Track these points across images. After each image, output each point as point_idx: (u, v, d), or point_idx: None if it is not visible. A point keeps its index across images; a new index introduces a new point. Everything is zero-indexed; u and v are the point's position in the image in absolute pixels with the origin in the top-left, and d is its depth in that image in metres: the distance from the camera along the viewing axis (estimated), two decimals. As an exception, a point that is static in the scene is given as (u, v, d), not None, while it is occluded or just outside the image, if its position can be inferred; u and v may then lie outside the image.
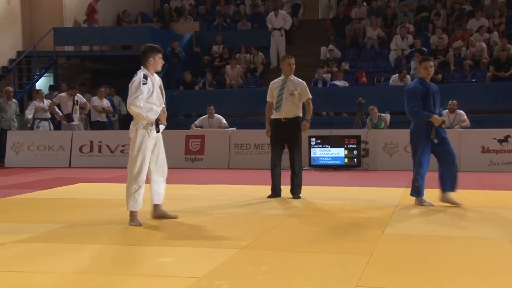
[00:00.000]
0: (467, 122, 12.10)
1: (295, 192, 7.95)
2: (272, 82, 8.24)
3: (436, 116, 6.96)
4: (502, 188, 8.80)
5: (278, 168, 8.02)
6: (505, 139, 11.26)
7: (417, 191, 7.18)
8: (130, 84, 6.07)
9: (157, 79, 6.23)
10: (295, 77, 8.04)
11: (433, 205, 7.09)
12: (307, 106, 8.03)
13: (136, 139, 6.04)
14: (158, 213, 6.39)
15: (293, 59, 8.13)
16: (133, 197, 6.04)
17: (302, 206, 7.42)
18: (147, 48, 6.32)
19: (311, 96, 8.02)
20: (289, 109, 7.85)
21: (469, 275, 4.26)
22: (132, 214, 6.08)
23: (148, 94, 6.01)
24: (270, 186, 8.04)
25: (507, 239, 5.37)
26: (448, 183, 7.11)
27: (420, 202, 7.18)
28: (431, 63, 7.25)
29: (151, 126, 6.04)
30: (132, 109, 5.99)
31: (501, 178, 10.11)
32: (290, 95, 7.85)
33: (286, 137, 7.96)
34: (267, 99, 8.13)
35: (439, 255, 4.86)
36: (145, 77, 6.05)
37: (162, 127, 6.22)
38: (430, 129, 6.97)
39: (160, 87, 6.22)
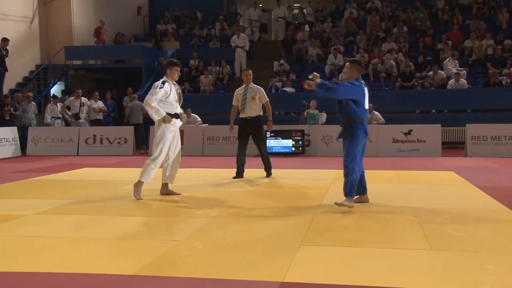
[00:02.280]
0: (383, 120, 12.31)
1: (268, 171, 8.08)
2: (236, 90, 8.21)
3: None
4: (407, 169, 9.00)
5: (243, 156, 8.00)
6: (409, 132, 11.50)
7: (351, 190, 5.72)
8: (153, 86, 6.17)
9: (176, 86, 6.23)
10: (254, 85, 8.02)
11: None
12: (267, 108, 8.02)
13: (158, 131, 6.09)
14: (165, 191, 6.33)
15: (250, 71, 8.13)
16: (147, 172, 6.05)
17: (260, 184, 7.44)
18: (167, 62, 6.38)
19: (268, 99, 8.00)
20: (252, 110, 7.88)
21: (382, 235, 4.35)
22: (139, 184, 6.07)
23: (164, 96, 6.04)
24: (235, 169, 8.03)
25: (410, 207, 5.48)
26: (362, 187, 5.81)
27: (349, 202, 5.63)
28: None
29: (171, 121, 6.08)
30: (145, 106, 6.08)
31: (406, 161, 10.34)
32: (252, 99, 7.85)
33: (252, 132, 7.98)
34: (233, 103, 8.11)
35: (362, 220, 4.94)
36: (163, 82, 6.07)
37: (179, 123, 6.26)
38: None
39: (177, 91, 6.21)
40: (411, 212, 5.22)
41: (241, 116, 7.98)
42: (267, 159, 8.12)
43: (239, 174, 7.98)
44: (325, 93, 5.35)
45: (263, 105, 8.02)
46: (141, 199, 6.03)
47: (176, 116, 6.18)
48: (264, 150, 8.13)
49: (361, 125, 5.46)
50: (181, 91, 6.35)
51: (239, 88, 8.15)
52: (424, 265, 3.51)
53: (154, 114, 6.02)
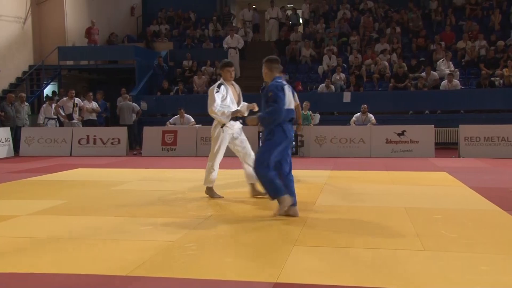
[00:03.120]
0: (374, 121, 12.35)
1: None
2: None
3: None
4: (400, 169, 9.02)
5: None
6: (402, 133, 11.54)
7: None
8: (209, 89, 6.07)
9: (235, 87, 6.14)
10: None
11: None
12: (297, 110, 8.06)
13: (215, 134, 6.09)
14: (256, 193, 6.16)
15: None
16: (207, 177, 6.13)
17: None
18: (221, 63, 6.20)
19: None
20: None
21: (375, 235, 4.36)
22: (210, 189, 6.19)
23: (221, 99, 5.95)
24: (228, 171, 8.01)
25: (403, 207, 5.51)
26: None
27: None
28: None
29: (227, 123, 6.02)
30: (211, 115, 6.02)
31: (399, 162, 10.37)
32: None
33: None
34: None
35: (355, 221, 4.94)
36: (219, 85, 5.98)
37: (238, 125, 6.13)
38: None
39: (237, 92, 6.12)
40: (404, 212, 5.23)
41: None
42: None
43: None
44: (272, 120, 4.95)
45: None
46: (222, 197, 6.15)
47: (235, 118, 6.03)
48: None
49: (279, 127, 5.00)
50: (240, 91, 6.19)
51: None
52: (417, 265, 3.52)
53: (222, 118, 5.93)
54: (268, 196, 5.08)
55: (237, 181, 7.75)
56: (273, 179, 4.93)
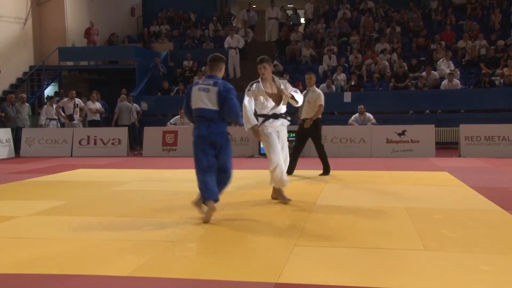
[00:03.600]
0: (374, 120, 12.34)
1: (324, 171, 8.32)
2: (303, 93, 8.34)
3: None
4: (400, 169, 9.01)
5: (294, 155, 8.14)
6: (403, 133, 11.53)
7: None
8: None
9: (275, 82, 5.67)
10: (315, 88, 8.28)
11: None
12: (317, 109, 8.12)
13: (262, 135, 5.68)
14: (276, 194, 5.91)
15: (311, 75, 8.45)
16: (273, 179, 5.69)
17: (254, 184, 7.42)
18: (260, 59, 5.75)
19: (322, 104, 8.06)
20: (306, 112, 8.06)
21: (376, 235, 4.35)
22: (279, 191, 5.74)
23: (251, 98, 5.61)
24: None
25: (403, 207, 5.50)
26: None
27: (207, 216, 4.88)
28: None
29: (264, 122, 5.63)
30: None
31: (400, 162, 10.36)
32: (307, 102, 8.01)
33: (308, 133, 8.22)
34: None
35: (356, 221, 4.93)
36: (251, 84, 5.72)
37: (278, 122, 5.67)
38: None
39: (275, 87, 5.65)
40: (405, 212, 5.23)
41: (300, 117, 8.21)
42: (322, 159, 8.29)
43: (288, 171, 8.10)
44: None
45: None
46: (290, 200, 5.77)
47: (274, 116, 5.62)
48: (319, 149, 8.27)
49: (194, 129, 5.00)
50: (284, 85, 5.66)
51: (305, 91, 8.30)
52: (418, 265, 3.52)
53: (244, 122, 5.40)
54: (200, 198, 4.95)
55: (240, 181, 7.75)
56: (207, 183, 4.84)
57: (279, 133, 5.76)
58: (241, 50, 17.39)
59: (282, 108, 5.75)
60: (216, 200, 4.85)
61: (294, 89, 5.74)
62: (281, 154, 5.70)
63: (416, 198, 6.13)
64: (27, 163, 10.95)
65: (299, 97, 5.75)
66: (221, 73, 5.15)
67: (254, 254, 3.80)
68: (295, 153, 8.21)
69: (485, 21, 17.30)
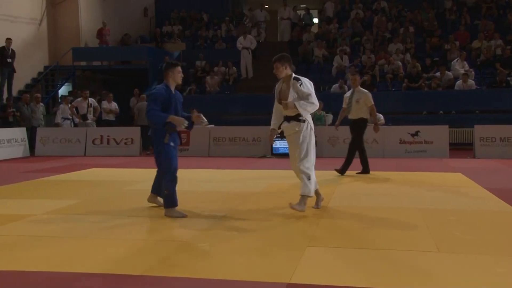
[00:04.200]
0: (382, 121, 12.27)
1: (363, 170, 8.39)
2: (346, 93, 8.52)
3: (175, 116, 5.19)
4: (414, 170, 8.95)
5: (351, 155, 8.33)
6: (416, 133, 11.45)
7: (169, 201, 5.22)
8: None
9: (293, 82, 5.27)
10: (361, 88, 8.26)
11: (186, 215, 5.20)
12: (371, 111, 8.26)
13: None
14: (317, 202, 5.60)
15: (356, 76, 8.48)
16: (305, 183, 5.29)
17: (265, 185, 7.43)
18: (274, 58, 5.39)
19: (373, 103, 8.15)
20: (354, 113, 8.15)
21: (389, 237, 4.33)
22: (304, 199, 5.26)
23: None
24: (242, 170, 8.03)
25: (417, 208, 5.47)
26: (158, 188, 5.57)
27: (174, 213, 5.18)
28: (180, 68, 5.36)
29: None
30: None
31: (413, 162, 10.29)
32: (356, 102, 8.09)
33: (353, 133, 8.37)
34: (343, 105, 8.41)
35: (368, 222, 4.91)
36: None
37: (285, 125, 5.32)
38: (164, 133, 5.20)
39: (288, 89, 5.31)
40: (418, 213, 5.19)
41: (349, 117, 8.31)
42: (362, 158, 8.31)
43: (341, 171, 8.30)
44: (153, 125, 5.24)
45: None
46: (319, 207, 5.54)
47: (286, 118, 5.31)
48: (358, 150, 8.28)
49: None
50: (291, 87, 5.24)
51: (348, 91, 8.41)
52: (432, 267, 3.49)
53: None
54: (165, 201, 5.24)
55: (252, 181, 7.77)
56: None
57: (291, 137, 5.34)
58: (253, 50, 17.41)
59: (296, 111, 5.18)
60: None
61: (307, 92, 5.18)
62: (294, 161, 5.35)
63: (430, 199, 6.08)
64: (41, 162, 11.07)
65: (305, 104, 5.15)
66: (167, 79, 5.29)
67: (266, 255, 3.80)
68: (362, 154, 8.32)
69: (501, 20, 17.10)
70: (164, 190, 5.24)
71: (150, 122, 5.28)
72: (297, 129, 5.26)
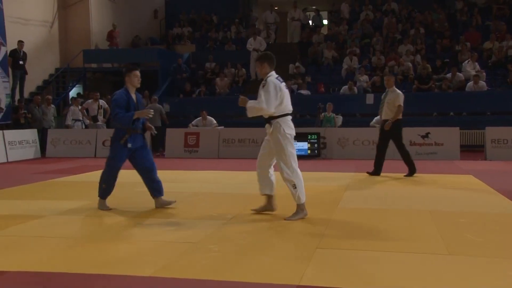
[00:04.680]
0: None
1: (409, 172, 8.32)
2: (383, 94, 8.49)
3: (139, 111, 5.57)
4: (424, 172, 8.89)
5: (379, 156, 8.41)
6: (426, 135, 11.38)
7: (103, 194, 5.69)
8: None
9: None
10: (395, 89, 8.20)
11: (110, 208, 5.63)
12: (396, 110, 8.10)
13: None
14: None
15: (389, 76, 8.41)
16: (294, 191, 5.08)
17: (277, 187, 7.39)
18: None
19: (400, 104, 8.02)
20: (385, 113, 8.12)
21: (399, 239, 4.31)
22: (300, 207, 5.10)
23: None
24: (251, 172, 8.01)
25: (427, 210, 5.44)
26: (154, 190, 5.74)
27: (101, 206, 5.66)
28: (139, 72, 5.72)
29: None
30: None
31: (424, 164, 10.21)
32: (387, 102, 8.07)
33: (388, 134, 8.25)
34: (380, 106, 8.39)
35: (378, 223, 4.89)
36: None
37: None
38: (123, 135, 5.55)
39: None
40: (428, 215, 5.16)
41: (381, 118, 8.32)
42: (405, 159, 8.30)
43: (374, 172, 8.31)
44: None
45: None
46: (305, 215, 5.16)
47: (266, 120, 5.22)
48: (401, 150, 8.26)
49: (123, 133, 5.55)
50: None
51: (384, 93, 8.43)
52: (442, 269, 3.47)
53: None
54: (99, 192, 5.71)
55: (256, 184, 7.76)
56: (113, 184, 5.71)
57: (267, 140, 5.22)
58: (262, 51, 17.47)
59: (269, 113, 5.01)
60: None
61: (263, 94, 4.93)
62: (260, 162, 5.21)
63: (440, 201, 6.04)
64: (52, 164, 11.16)
65: (253, 106, 5.01)
66: (126, 84, 5.66)
67: (276, 256, 3.80)
68: (379, 155, 8.30)
69: (512, 21, 16.95)
70: (103, 184, 5.65)
71: (118, 125, 5.62)
72: (267, 131, 5.12)
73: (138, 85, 5.66)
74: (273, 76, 5.04)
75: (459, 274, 3.39)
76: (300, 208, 5.08)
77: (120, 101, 5.52)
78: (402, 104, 8.07)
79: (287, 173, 4.99)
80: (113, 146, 5.63)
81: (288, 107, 5.07)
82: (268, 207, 5.35)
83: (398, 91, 8.26)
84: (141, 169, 5.71)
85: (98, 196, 5.70)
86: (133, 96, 5.64)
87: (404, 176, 8.24)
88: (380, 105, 8.41)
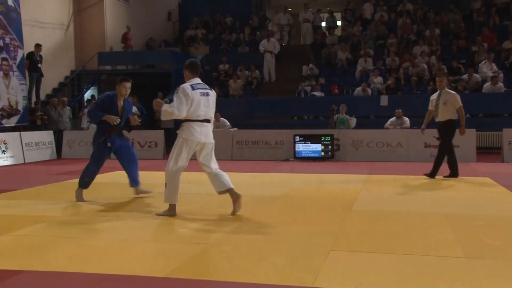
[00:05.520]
0: (407, 125, 12.16)
1: (451, 174, 8.23)
2: (432, 95, 8.51)
3: (109, 115, 6.12)
4: (439, 174, 8.78)
5: (438, 157, 8.27)
6: (442, 137, 11.25)
7: (84, 184, 6.40)
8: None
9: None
10: (448, 90, 8.20)
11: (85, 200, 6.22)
12: (459, 113, 8.11)
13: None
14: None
15: (442, 77, 8.36)
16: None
17: (289, 189, 7.41)
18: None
19: (461, 105, 8.04)
20: (441, 115, 8.08)
21: (414, 242, 4.27)
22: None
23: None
24: (265, 174, 8.03)
25: (443, 213, 5.38)
26: (132, 179, 6.57)
27: (78, 196, 6.32)
28: (129, 84, 6.35)
29: None
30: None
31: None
32: (443, 104, 8.03)
33: (441, 135, 8.24)
34: (429, 108, 8.38)
35: (393, 226, 4.86)
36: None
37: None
38: (102, 133, 6.28)
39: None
40: (444, 218, 5.11)
41: (436, 120, 8.24)
42: (450, 161, 8.20)
43: (430, 175, 8.23)
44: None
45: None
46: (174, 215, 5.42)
47: None
48: (447, 153, 8.19)
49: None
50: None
51: (435, 93, 8.39)
52: (458, 273, 3.43)
53: None
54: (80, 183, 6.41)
55: (274, 185, 7.76)
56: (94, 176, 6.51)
57: None
58: (276, 53, 17.45)
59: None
60: None
61: (174, 99, 5.25)
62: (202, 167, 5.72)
63: (456, 204, 5.98)
64: (68, 165, 11.28)
65: (168, 107, 5.24)
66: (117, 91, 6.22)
67: (289, 258, 3.79)
68: (439, 157, 8.24)
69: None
70: (85, 177, 6.33)
71: (91, 120, 6.48)
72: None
73: (126, 95, 6.36)
74: (189, 83, 5.32)
75: (476, 278, 3.35)
76: (170, 208, 5.36)
77: (102, 100, 6.30)
78: (462, 105, 8.06)
79: (167, 167, 5.39)
80: (95, 144, 6.36)
81: (196, 113, 5.24)
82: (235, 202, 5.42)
83: (453, 92, 8.27)
84: (124, 163, 6.53)
85: (79, 185, 6.34)
86: (120, 102, 6.26)
87: (444, 177, 8.17)
88: (431, 107, 8.29)
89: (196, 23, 21.00)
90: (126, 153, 6.50)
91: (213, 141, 5.53)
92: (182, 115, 5.18)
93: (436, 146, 11.24)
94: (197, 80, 5.41)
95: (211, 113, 5.41)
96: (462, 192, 6.92)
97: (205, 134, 5.38)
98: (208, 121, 5.36)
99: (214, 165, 5.60)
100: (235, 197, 5.38)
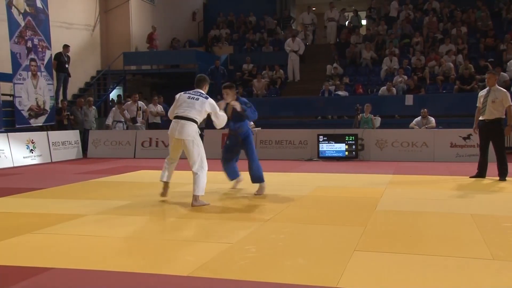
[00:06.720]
0: (433, 124, 11.98)
1: (501, 176, 7.90)
2: (480, 92, 8.26)
3: None
4: (465, 175, 8.64)
5: (482, 158, 8.10)
6: (468, 137, 11.07)
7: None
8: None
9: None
10: (498, 87, 7.97)
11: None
12: (508, 112, 7.78)
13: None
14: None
15: (491, 74, 8.07)
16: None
17: (312, 189, 7.38)
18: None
19: (511, 104, 7.76)
20: (490, 113, 7.81)
21: (440, 242, 4.21)
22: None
23: None
24: (288, 173, 8.01)
25: (469, 213, 5.29)
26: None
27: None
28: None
29: None
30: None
31: (464, 167, 9.93)
32: (492, 102, 7.78)
33: (490, 135, 7.91)
34: (477, 105, 8.09)
35: (418, 226, 4.80)
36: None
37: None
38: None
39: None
40: (470, 219, 5.02)
41: (480, 118, 7.99)
42: (500, 162, 7.93)
43: (478, 175, 8.08)
44: None
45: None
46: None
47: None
48: (498, 152, 7.94)
49: None
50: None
51: (483, 90, 8.19)
52: (486, 275, 3.37)
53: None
54: None
55: (297, 185, 7.75)
56: None
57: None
58: (301, 53, 17.40)
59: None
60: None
61: None
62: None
63: (483, 204, 5.87)
64: (93, 164, 11.48)
65: None
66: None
67: (313, 258, 3.78)
68: (482, 157, 8.06)
69: None
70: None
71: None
72: None
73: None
74: (185, 91, 6.21)
75: (504, 280, 3.28)
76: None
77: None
78: None
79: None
80: (251, 141, 7.26)
81: (176, 111, 6.02)
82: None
83: (503, 89, 7.99)
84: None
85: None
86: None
87: (470, 177, 8.03)
88: (480, 104, 7.96)
89: (220, 23, 21.09)
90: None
91: (188, 138, 5.87)
92: (170, 116, 6.11)
93: (462, 146, 11.07)
94: (195, 90, 6.28)
95: (191, 112, 5.90)
96: (488, 192, 6.78)
97: (179, 130, 5.88)
98: (185, 118, 5.85)
99: (194, 166, 5.96)
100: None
